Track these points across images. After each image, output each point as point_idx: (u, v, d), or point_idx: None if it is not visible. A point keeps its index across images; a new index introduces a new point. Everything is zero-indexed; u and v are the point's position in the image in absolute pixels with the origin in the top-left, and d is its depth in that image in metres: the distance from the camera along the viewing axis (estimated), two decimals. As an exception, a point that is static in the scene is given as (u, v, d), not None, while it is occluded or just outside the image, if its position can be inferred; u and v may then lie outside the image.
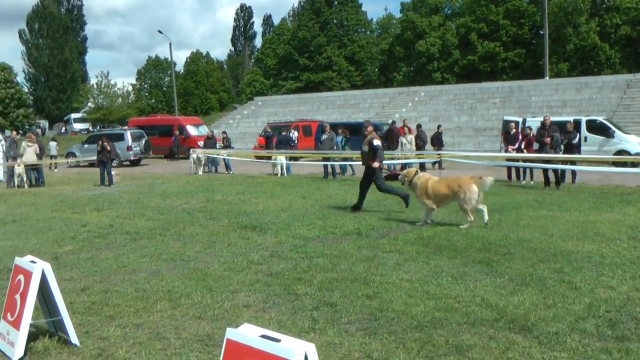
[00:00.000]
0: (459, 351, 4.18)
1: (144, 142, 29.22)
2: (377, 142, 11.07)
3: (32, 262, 4.41)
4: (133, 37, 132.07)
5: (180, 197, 13.83)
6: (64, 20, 64.54)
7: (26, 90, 61.54)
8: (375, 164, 10.87)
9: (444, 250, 7.31)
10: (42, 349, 4.37)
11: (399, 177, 10.58)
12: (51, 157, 27.30)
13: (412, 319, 4.83)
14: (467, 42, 52.89)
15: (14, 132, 22.97)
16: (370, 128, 11.61)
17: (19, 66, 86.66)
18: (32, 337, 4.48)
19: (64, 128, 55.12)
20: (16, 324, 4.25)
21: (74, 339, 4.43)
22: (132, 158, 28.64)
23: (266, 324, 4.71)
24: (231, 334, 2.81)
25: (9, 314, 4.38)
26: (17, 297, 4.34)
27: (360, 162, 12.28)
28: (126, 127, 32.80)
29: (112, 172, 18.25)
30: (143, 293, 5.81)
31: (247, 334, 2.75)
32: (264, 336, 2.68)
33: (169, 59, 55.10)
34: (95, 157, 18.98)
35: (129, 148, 28.53)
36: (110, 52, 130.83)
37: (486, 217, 9.09)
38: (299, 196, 13.41)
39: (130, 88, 63.26)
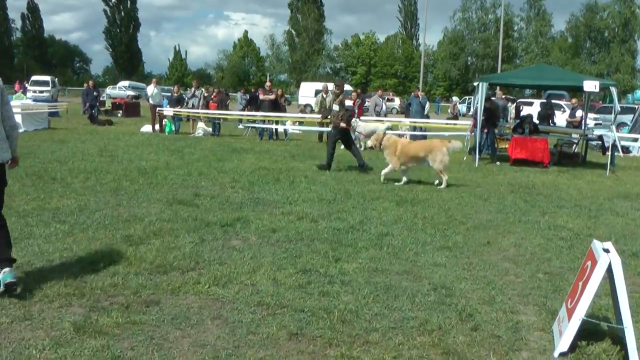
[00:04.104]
0: None
1: None
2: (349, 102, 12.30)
3: (605, 250, 3.69)
4: None
5: None
6: None
7: None
8: (343, 125, 11.20)
9: None
10: (592, 354, 3.61)
11: (368, 141, 11.21)
12: None
13: None
14: None
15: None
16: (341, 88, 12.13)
17: None
18: (592, 336, 3.80)
19: None
20: (570, 313, 3.68)
21: (633, 358, 3.48)
22: None
23: None
24: None
25: (569, 300, 3.84)
26: (580, 284, 3.75)
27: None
28: None
29: None
30: None
31: None
32: None
33: None
34: None
35: None
36: None
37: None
38: None
39: None
